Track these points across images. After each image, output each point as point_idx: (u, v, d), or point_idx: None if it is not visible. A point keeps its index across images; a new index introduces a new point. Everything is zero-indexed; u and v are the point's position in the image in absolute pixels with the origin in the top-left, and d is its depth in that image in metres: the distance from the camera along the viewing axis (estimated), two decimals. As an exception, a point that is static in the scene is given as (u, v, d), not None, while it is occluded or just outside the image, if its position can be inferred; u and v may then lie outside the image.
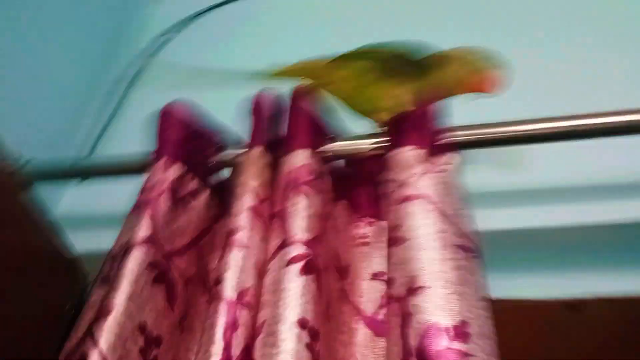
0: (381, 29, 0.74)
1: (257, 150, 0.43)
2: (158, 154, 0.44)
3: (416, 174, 0.38)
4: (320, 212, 0.39)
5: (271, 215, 0.40)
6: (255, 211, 0.39)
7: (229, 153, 0.48)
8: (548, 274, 0.55)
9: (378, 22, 0.77)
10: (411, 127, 0.41)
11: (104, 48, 0.80)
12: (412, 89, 0.44)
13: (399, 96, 0.44)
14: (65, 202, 0.66)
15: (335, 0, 0.83)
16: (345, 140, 0.46)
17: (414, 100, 0.43)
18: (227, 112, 0.47)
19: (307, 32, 0.78)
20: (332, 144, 0.46)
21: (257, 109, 0.45)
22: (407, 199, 0.37)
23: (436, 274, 0.32)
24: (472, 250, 0.35)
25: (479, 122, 0.45)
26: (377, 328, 0.39)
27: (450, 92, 0.45)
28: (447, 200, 0.37)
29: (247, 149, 0.44)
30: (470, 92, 0.45)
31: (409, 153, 0.39)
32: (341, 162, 0.47)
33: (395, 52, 0.46)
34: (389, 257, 0.38)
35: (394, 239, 0.37)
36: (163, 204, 0.41)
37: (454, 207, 0.36)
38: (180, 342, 0.41)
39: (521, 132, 0.44)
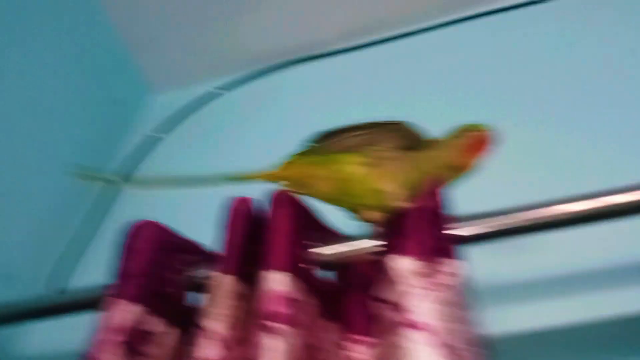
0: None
1: (228, 278, 0.36)
2: (114, 292, 0.38)
3: (413, 293, 0.30)
4: (301, 355, 0.31)
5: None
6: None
7: (204, 277, 0.41)
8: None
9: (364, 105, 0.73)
10: (406, 231, 0.33)
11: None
12: (405, 180, 0.37)
13: (389, 191, 0.36)
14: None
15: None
16: (335, 244, 0.39)
17: (409, 196, 0.35)
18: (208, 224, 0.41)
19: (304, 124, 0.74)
20: (318, 251, 0.39)
21: (231, 223, 0.39)
22: (402, 325, 0.30)
23: None
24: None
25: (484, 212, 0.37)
26: None
27: (448, 175, 0.38)
28: (454, 328, 0.29)
29: (216, 275, 0.37)
30: (465, 164, 0.37)
31: (403, 265, 0.32)
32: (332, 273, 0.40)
33: (384, 133, 0.39)
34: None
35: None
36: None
37: (464, 337, 0.28)
38: None
39: (536, 219, 0.36)
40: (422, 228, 0.33)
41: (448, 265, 0.31)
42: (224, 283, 0.35)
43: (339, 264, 0.40)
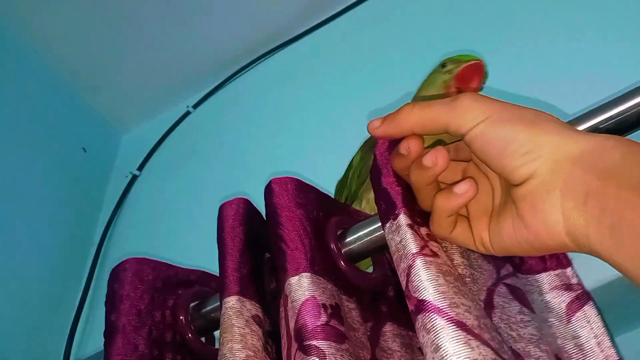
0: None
1: (232, 301, 0.27)
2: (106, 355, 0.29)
3: (406, 265, 0.22)
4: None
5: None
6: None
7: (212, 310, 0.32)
8: None
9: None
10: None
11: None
12: None
13: None
14: None
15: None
16: (363, 228, 0.31)
17: None
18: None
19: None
20: (347, 241, 0.30)
21: (223, 231, 0.30)
22: (410, 307, 0.22)
23: None
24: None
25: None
26: None
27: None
28: (455, 300, 0.21)
29: (219, 301, 0.28)
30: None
31: (386, 228, 0.25)
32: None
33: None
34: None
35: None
36: None
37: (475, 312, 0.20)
38: None
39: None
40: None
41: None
42: (228, 307, 0.26)
43: (372, 251, 0.31)
